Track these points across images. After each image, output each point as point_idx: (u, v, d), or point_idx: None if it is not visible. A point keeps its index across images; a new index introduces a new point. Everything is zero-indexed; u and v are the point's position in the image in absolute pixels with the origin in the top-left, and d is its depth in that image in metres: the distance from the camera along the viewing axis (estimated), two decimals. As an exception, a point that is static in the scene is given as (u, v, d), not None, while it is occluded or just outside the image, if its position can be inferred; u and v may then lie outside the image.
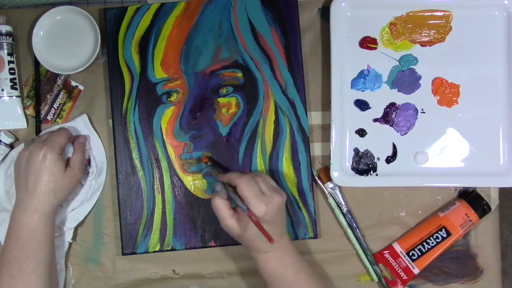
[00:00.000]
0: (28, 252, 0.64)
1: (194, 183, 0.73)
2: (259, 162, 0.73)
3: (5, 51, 0.73)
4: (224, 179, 0.65)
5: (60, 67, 0.74)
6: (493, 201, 0.75)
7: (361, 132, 0.73)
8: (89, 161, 0.74)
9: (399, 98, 0.73)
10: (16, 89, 0.74)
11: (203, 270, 0.75)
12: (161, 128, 0.73)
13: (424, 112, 0.73)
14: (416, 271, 0.72)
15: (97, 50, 0.72)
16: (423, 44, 0.73)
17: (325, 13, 0.76)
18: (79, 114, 0.75)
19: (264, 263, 0.64)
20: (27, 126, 0.75)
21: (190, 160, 0.73)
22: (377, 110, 0.73)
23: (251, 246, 0.64)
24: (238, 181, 0.61)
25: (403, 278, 0.73)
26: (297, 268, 0.64)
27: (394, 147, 0.73)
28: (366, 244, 0.74)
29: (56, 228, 0.71)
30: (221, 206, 0.63)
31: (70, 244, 0.74)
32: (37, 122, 0.75)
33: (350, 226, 0.74)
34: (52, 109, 0.75)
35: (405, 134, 0.73)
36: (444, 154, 0.73)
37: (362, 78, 0.73)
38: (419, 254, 0.72)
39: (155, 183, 0.73)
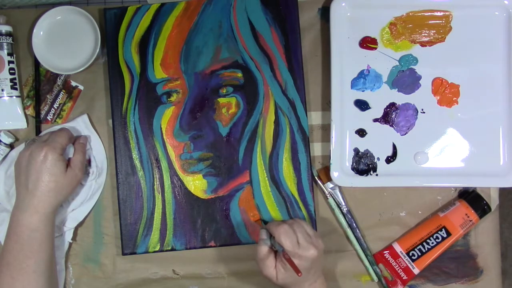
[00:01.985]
0: (28, 252, 0.64)
1: (194, 183, 0.73)
2: (259, 162, 0.73)
3: (5, 51, 0.73)
4: (267, 227, 0.66)
5: (60, 67, 0.74)
6: (493, 201, 0.75)
7: (361, 132, 0.73)
8: (89, 161, 0.74)
9: (399, 98, 0.73)
10: (16, 89, 0.74)
11: (203, 270, 0.75)
12: (161, 128, 0.73)
13: (424, 112, 0.73)
14: (416, 271, 0.72)
15: (97, 50, 0.72)
16: (423, 44, 0.73)
17: (325, 13, 0.76)
18: (79, 114, 0.75)
19: None
20: (27, 126, 0.75)
21: (190, 160, 0.73)
22: (377, 110, 0.73)
23: None
24: (277, 232, 0.63)
25: (403, 278, 0.73)
26: None
27: (394, 147, 0.73)
28: (366, 244, 0.74)
29: (56, 228, 0.71)
30: (267, 255, 0.64)
31: (70, 244, 0.74)
32: (37, 122, 0.75)
33: (350, 226, 0.74)
34: (52, 109, 0.75)
35: (405, 134, 0.73)
36: (444, 154, 0.73)
37: (362, 78, 0.73)
38: (419, 254, 0.72)
39: (155, 183, 0.73)
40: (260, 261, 0.64)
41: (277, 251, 0.64)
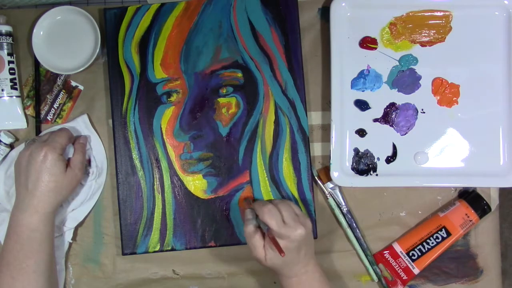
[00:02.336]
0: (28, 252, 0.64)
1: (194, 183, 0.73)
2: (259, 162, 0.73)
3: (5, 51, 0.73)
4: (252, 207, 0.65)
5: (60, 67, 0.74)
6: (493, 201, 0.75)
7: (361, 132, 0.73)
8: (89, 161, 0.74)
9: (399, 98, 0.73)
10: (16, 89, 0.74)
11: (203, 270, 0.75)
12: (161, 128, 0.73)
13: (424, 112, 0.73)
14: (416, 271, 0.72)
15: (97, 50, 0.72)
16: (423, 44, 0.73)
17: (325, 13, 0.76)
18: (79, 114, 0.75)
19: (287, 287, 0.64)
20: (27, 126, 0.75)
21: (190, 160, 0.73)
22: (377, 110, 0.73)
23: (279, 272, 0.64)
24: (261, 211, 0.62)
25: (403, 278, 0.73)
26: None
27: (394, 147, 0.73)
28: (366, 244, 0.74)
29: (56, 228, 0.71)
30: (254, 236, 0.63)
31: (70, 244, 0.74)
32: (37, 122, 0.75)
33: (350, 226, 0.74)
34: (52, 109, 0.75)
35: (405, 134, 0.73)
36: (444, 154, 0.73)
37: (362, 78, 0.73)
38: (419, 254, 0.72)
39: (155, 183, 0.73)
40: (248, 242, 0.64)
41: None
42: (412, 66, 0.73)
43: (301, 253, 0.62)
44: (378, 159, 0.73)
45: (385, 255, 0.74)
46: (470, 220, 0.72)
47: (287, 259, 0.61)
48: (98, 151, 0.74)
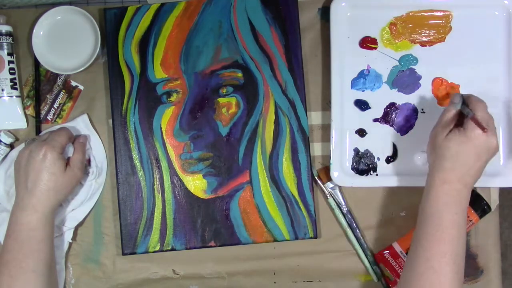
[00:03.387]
0: (27, 251, 0.64)
1: (194, 183, 0.73)
2: (259, 162, 0.73)
3: (5, 51, 0.73)
4: (464, 95, 0.64)
5: (60, 67, 0.74)
6: (493, 201, 0.75)
7: (361, 132, 0.73)
8: (89, 161, 0.74)
9: (399, 98, 0.73)
10: (16, 89, 0.74)
11: (203, 270, 0.75)
12: (161, 128, 0.73)
13: (424, 112, 0.73)
14: (416, 271, 0.72)
15: (97, 50, 0.72)
16: (423, 44, 0.73)
17: (325, 13, 0.76)
18: (79, 114, 0.75)
19: (433, 194, 0.61)
20: (27, 126, 0.75)
21: (190, 160, 0.73)
22: (377, 110, 0.73)
23: (439, 165, 0.61)
24: (476, 104, 0.61)
25: (403, 278, 0.73)
26: (457, 222, 0.60)
27: (394, 147, 0.73)
28: (366, 244, 0.74)
29: (56, 228, 0.71)
30: (450, 115, 0.63)
31: (70, 244, 0.74)
32: (37, 122, 0.75)
33: (350, 226, 0.74)
34: (52, 109, 0.75)
35: (405, 134, 0.73)
36: (444, 154, 0.73)
37: (362, 78, 0.73)
38: (419, 254, 0.72)
39: (155, 183, 0.73)
40: (442, 118, 0.63)
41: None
42: (412, 66, 0.73)
43: (476, 164, 0.60)
44: (378, 159, 0.73)
45: (385, 255, 0.74)
46: (470, 220, 0.72)
47: (463, 152, 0.60)
48: (98, 151, 0.74)
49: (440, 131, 0.63)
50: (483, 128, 0.59)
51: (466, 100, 0.63)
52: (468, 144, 0.60)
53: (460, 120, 0.64)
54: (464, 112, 0.62)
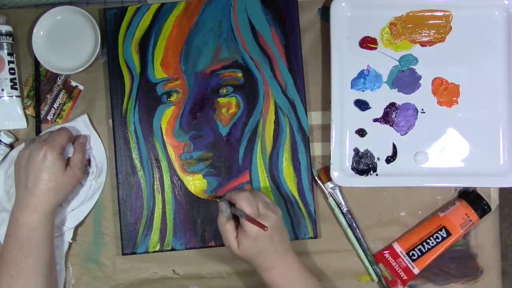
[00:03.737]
0: (27, 251, 0.64)
1: (194, 183, 0.73)
2: (259, 162, 0.73)
3: (5, 51, 0.73)
4: (226, 198, 0.64)
5: (60, 67, 0.74)
6: (493, 201, 0.75)
7: (361, 132, 0.73)
8: (89, 161, 0.74)
9: (399, 98, 0.73)
10: (16, 89, 0.74)
11: (203, 270, 0.75)
12: (161, 128, 0.73)
13: (424, 112, 0.73)
14: (416, 271, 0.72)
15: (97, 50, 0.72)
16: (423, 44, 0.73)
17: (325, 13, 0.76)
18: (79, 114, 0.75)
19: (270, 281, 0.63)
20: (27, 126, 0.75)
21: (190, 160, 0.73)
22: (377, 110, 0.73)
23: (255, 264, 0.63)
24: (239, 198, 0.61)
25: (403, 278, 0.73)
26: (304, 285, 0.64)
27: (394, 147, 0.73)
28: (366, 244, 0.74)
29: (56, 228, 0.71)
30: (225, 226, 0.62)
31: (70, 244, 0.74)
32: (37, 122, 0.75)
33: (350, 226, 0.74)
34: (52, 109, 0.75)
35: (405, 134, 0.73)
36: (444, 154, 0.73)
37: (362, 78, 0.73)
38: (419, 254, 0.72)
39: (155, 183, 0.73)
40: (221, 233, 0.63)
41: (237, 224, 0.62)
42: (412, 66, 0.73)
43: (274, 240, 0.61)
44: (378, 159, 0.73)
45: (385, 255, 0.74)
46: (470, 220, 0.72)
47: (260, 247, 0.61)
48: (98, 151, 0.74)
49: (231, 245, 0.62)
50: (263, 227, 0.58)
51: (230, 199, 0.63)
52: (257, 240, 0.60)
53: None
54: (237, 215, 0.62)
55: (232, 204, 0.63)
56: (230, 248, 0.63)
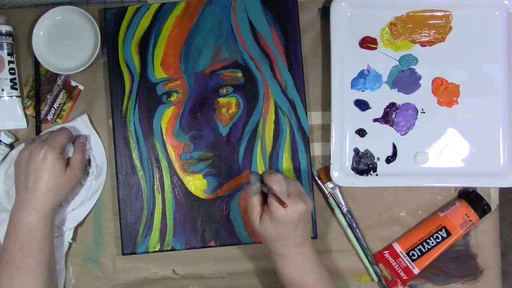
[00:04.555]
0: (27, 251, 0.64)
1: (194, 183, 0.73)
2: (259, 162, 0.73)
3: (5, 51, 0.73)
4: (259, 173, 0.64)
5: (60, 67, 0.74)
6: (493, 201, 0.75)
7: (361, 132, 0.73)
8: (89, 161, 0.74)
9: (399, 98, 0.73)
10: (16, 89, 0.74)
11: (203, 270, 0.75)
12: (161, 128, 0.73)
13: (424, 112, 0.73)
14: (416, 271, 0.72)
15: (97, 50, 0.72)
16: (423, 44, 0.73)
17: (325, 13, 0.76)
18: (79, 114, 0.75)
19: (283, 268, 0.63)
20: (27, 126, 0.75)
21: (190, 160, 0.73)
22: (377, 110, 0.73)
23: (272, 247, 0.63)
24: (270, 179, 0.61)
25: (403, 278, 0.73)
26: (316, 278, 0.63)
27: (394, 147, 0.73)
28: (366, 244, 0.74)
29: (56, 228, 0.71)
30: (252, 198, 0.62)
31: (70, 244, 0.74)
32: (37, 122, 0.75)
33: (350, 226, 0.74)
34: (52, 109, 0.75)
35: (405, 134, 0.73)
36: (444, 154, 0.73)
37: (362, 78, 0.73)
38: (419, 254, 0.72)
39: (155, 183, 0.73)
40: (248, 204, 0.63)
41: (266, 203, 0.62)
42: (412, 66, 0.73)
43: (297, 230, 0.61)
44: (378, 159, 0.73)
45: (385, 255, 0.74)
46: (470, 220, 0.72)
47: (282, 231, 0.60)
48: (98, 151, 0.74)
49: (254, 219, 0.62)
50: (282, 204, 0.58)
51: (263, 178, 0.63)
52: (281, 224, 0.60)
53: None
54: (265, 191, 0.61)
55: (263, 182, 0.62)
56: (251, 222, 0.62)
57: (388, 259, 0.74)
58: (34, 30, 0.73)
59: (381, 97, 0.73)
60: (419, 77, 0.73)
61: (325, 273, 0.65)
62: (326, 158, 0.75)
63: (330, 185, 0.74)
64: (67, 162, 0.68)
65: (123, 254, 0.73)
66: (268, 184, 0.61)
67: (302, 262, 0.63)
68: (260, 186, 0.62)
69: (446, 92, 0.73)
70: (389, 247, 0.74)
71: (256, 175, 0.63)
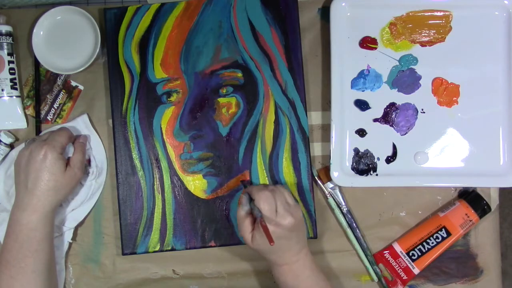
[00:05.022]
0: (27, 251, 0.64)
1: (194, 183, 0.73)
2: (259, 162, 0.73)
3: (5, 51, 0.73)
4: (248, 191, 0.65)
5: (60, 67, 0.74)
6: (493, 201, 0.75)
7: (361, 132, 0.73)
8: (89, 161, 0.74)
9: (399, 98, 0.73)
10: (16, 89, 0.74)
11: (203, 270, 0.75)
12: (161, 128, 0.73)
13: (424, 112, 0.73)
14: (416, 271, 0.72)
15: (97, 50, 0.72)
16: (423, 44, 0.73)
17: (325, 13, 0.76)
18: (79, 114, 0.75)
19: (280, 276, 0.65)
20: (27, 126, 0.75)
21: (190, 160, 0.73)
22: (377, 110, 0.73)
23: (267, 258, 0.65)
24: (257, 196, 0.62)
25: (403, 278, 0.73)
26: (312, 281, 0.64)
27: (394, 147, 0.73)
28: (366, 244, 0.74)
29: (56, 228, 0.71)
30: (242, 219, 0.64)
31: (70, 244, 0.74)
32: (37, 122, 0.75)
33: (350, 226, 0.74)
34: (52, 109, 0.75)
35: (405, 134, 0.73)
36: (444, 154, 0.73)
37: (362, 78, 0.73)
38: (419, 254, 0.72)
39: (155, 183, 0.73)
40: (238, 224, 0.64)
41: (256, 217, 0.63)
42: (412, 66, 0.73)
43: (291, 241, 0.63)
44: (378, 159, 0.73)
45: (385, 255, 0.74)
46: (470, 220, 0.72)
47: (276, 246, 0.61)
48: (98, 151, 0.74)
49: (246, 238, 0.64)
50: (270, 241, 0.58)
51: (251, 194, 0.64)
52: (279, 234, 0.61)
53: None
54: (254, 214, 0.62)
55: (252, 199, 0.63)
56: (244, 240, 0.64)
57: (388, 259, 0.74)
58: (34, 30, 0.73)
59: (381, 97, 0.73)
60: (419, 77, 0.73)
61: (321, 276, 0.65)
62: (326, 158, 0.75)
63: (330, 185, 0.74)
64: (67, 162, 0.68)
65: (123, 254, 0.73)
66: (256, 204, 0.62)
67: (297, 268, 0.64)
68: (250, 206, 0.64)
69: (446, 92, 0.73)
70: (389, 247, 0.74)
71: (246, 196, 0.64)
